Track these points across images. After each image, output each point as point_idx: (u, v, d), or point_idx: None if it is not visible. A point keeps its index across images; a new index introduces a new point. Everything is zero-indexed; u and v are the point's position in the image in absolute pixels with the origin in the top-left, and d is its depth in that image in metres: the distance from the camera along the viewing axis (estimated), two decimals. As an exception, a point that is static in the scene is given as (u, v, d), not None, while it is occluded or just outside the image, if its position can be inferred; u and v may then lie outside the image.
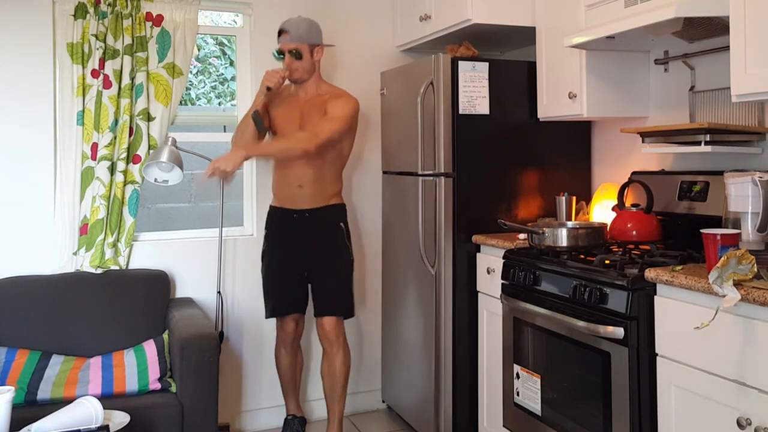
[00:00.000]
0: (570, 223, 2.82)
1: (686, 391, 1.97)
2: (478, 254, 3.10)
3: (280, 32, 3.07)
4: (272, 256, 3.20)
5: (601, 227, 2.63)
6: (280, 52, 3.06)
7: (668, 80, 2.87)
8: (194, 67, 4.67)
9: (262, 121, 3.05)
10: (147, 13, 3.25)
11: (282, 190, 3.16)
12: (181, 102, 3.46)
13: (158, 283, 3.22)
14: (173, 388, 2.83)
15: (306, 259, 3.14)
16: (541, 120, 3.17)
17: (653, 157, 2.95)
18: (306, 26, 3.07)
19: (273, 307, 3.21)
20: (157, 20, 3.28)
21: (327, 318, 3.13)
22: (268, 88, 3.02)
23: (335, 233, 3.16)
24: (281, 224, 3.17)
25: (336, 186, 3.19)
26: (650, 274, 2.09)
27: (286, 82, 3.12)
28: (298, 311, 3.23)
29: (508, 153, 3.18)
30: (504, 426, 2.77)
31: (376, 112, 3.77)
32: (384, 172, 3.70)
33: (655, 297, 2.09)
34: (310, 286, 3.18)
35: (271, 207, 3.24)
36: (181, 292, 3.41)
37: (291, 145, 2.93)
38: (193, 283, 3.43)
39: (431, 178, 3.13)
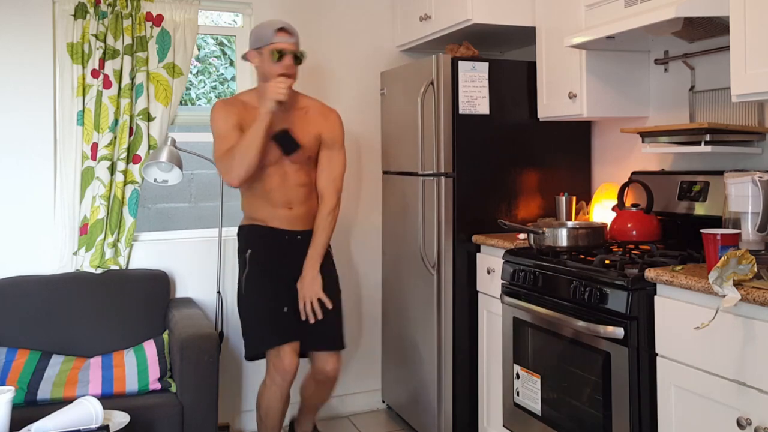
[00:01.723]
0: (570, 223, 2.81)
1: (686, 391, 1.97)
2: (478, 254, 3.10)
3: (280, 30, 2.68)
4: (263, 277, 2.77)
5: (601, 227, 2.63)
6: (282, 53, 2.66)
7: (668, 80, 2.87)
8: (194, 67, 4.67)
9: (295, 139, 2.73)
10: (147, 13, 3.25)
11: (266, 211, 2.79)
12: (181, 102, 3.46)
13: (158, 283, 3.22)
14: (173, 388, 2.83)
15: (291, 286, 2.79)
16: (541, 120, 3.17)
17: (653, 157, 2.95)
18: (297, 32, 2.75)
19: (274, 333, 2.72)
20: (157, 20, 3.28)
21: (332, 354, 2.81)
22: (280, 103, 2.62)
23: (329, 260, 2.88)
24: (272, 245, 2.79)
25: None
26: (650, 274, 2.09)
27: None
28: (299, 338, 2.76)
29: (508, 153, 3.19)
30: (504, 426, 2.77)
31: (376, 112, 3.77)
32: (384, 172, 3.70)
33: (655, 297, 2.09)
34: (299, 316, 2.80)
35: (252, 226, 2.84)
36: (181, 292, 3.41)
37: (328, 228, 2.81)
38: (193, 283, 3.43)
39: (431, 178, 3.13)
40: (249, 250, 2.81)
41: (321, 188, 2.86)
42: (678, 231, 2.65)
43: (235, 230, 3.51)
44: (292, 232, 2.82)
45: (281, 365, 2.71)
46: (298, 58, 2.71)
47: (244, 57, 2.81)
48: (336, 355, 2.83)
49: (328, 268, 2.86)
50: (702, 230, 2.01)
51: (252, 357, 2.78)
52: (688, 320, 1.94)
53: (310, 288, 2.75)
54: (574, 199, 3.06)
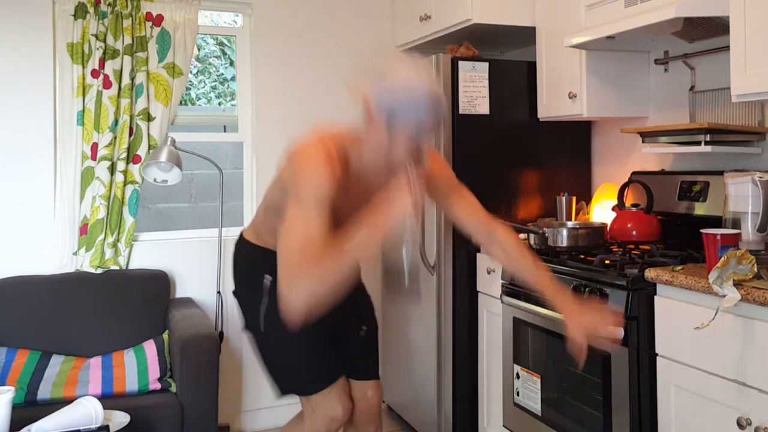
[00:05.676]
0: (570, 223, 2.82)
1: (686, 391, 1.97)
2: (478, 254, 3.10)
3: (437, 122, 1.96)
4: None
5: (601, 227, 2.63)
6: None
7: (668, 80, 2.87)
8: (194, 67, 4.67)
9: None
10: (147, 13, 3.25)
11: None
12: (181, 102, 3.46)
13: (158, 283, 3.22)
14: (173, 388, 2.83)
15: (340, 309, 1.93)
16: (541, 120, 3.17)
17: (653, 157, 2.95)
18: None
19: (321, 372, 2.16)
20: (157, 20, 3.28)
21: (375, 383, 2.30)
22: None
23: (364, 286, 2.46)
24: None
25: None
26: (650, 274, 2.09)
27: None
28: (345, 371, 2.26)
29: (508, 153, 3.18)
30: (504, 426, 2.77)
31: (376, 112, 3.76)
32: (384, 172, 3.70)
33: (655, 297, 2.09)
34: (341, 342, 2.28)
35: (267, 249, 2.11)
36: (181, 292, 3.41)
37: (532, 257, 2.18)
38: (193, 283, 3.43)
39: (431, 178, 3.13)
40: (270, 277, 2.12)
41: (481, 226, 2.16)
42: (678, 231, 2.65)
43: (234, 230, 3.54)
44: None
45: (332, 414, 2.15)
46: None
47: (364, 106, 1.81)
48: (378, 383, 2.33)
49: (366, 292, 2.44)
50: (702, 230, 2.01)
51: (288, 394, 2.22)
52: (688, 320, 1.94)
53: (593, 320, 1.83)
54: (574, 199, 3.06)
